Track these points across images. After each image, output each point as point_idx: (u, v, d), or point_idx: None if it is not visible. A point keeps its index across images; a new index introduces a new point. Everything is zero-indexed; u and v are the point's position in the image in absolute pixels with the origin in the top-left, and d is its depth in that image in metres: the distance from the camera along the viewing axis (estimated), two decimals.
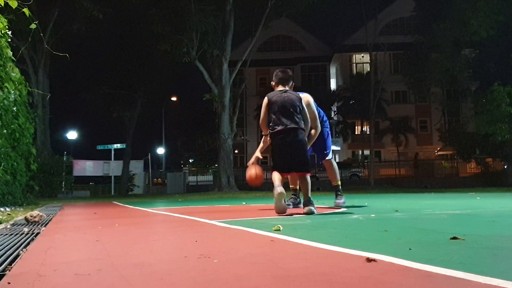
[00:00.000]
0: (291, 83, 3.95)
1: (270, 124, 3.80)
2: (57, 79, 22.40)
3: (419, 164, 25.70)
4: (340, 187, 4.67)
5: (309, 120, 3.91)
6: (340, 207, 4.46)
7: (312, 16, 23.25)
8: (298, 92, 4.00)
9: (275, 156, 3.81)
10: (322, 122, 4.44)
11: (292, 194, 4.77)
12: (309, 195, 3.69)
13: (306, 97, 4.13)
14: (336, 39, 35.82)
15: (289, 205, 4.65)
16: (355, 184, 23.40)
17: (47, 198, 14.82)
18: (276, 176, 3.68)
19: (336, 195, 4.66)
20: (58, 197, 16.61)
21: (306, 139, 3.88)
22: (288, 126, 3.68)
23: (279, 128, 3.70)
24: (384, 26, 31.74)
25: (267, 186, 7.49)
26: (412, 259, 1.40)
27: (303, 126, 3.76)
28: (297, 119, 3.72)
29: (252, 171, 4.00)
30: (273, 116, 3.76)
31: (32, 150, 8.28)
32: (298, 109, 3.75)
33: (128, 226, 3.23)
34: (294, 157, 3.74)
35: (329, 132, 4.75)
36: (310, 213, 3.53)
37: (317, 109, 4.32)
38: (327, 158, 4.61)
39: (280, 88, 3.89)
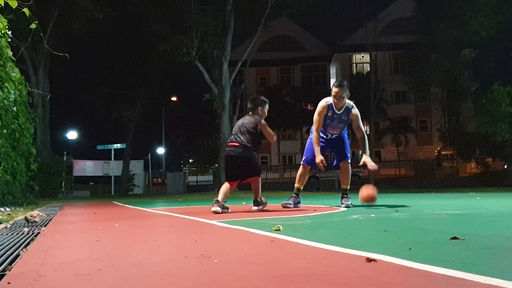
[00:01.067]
0: (257, 109, 4.56)
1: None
2: (57, 79, 22.27)
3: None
4: (348, 190, 4.76)
5: (271, 134, 4.53)
6: (348, 207, 4.52)
7: (312, 16, 23.23)
8: (351, 103, 4.58)
9: (226, 167, 4.57)
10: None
11: (294, 193, 4.78)
12: (259, 196, 4.43)
13: (355, 113, 4.60)
14: (336, 39, 35.74)
15: (290, 204, 4.67)
16: (355, 184, 23.06)
17: (47, 198, 14.82)
18: (223, 188, 4.29)
19: (345, 197, 4.70)
20: (58, 197, 16.61)
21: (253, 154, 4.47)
22: (235, 143, 4.38)
23: (229, 143, 4.48)
24: (384, 26, 31.63)
25: (267, 186, 7.49)
26: (412, 259, 1.40)
27: (249, 145, 4.36)
28: (245, 138, 4.37)
29: (368, 190, 4.39)
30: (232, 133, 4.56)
31: (32, 150, 8.28)
32: (249, 130, 4.41)
33: (128, 226, 3.23)
34: (241, 168, 4.39)
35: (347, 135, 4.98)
36: (259, 210, 4.18)
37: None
38: (348, 161, 4.77)
39: (250, 113, 4.58)
